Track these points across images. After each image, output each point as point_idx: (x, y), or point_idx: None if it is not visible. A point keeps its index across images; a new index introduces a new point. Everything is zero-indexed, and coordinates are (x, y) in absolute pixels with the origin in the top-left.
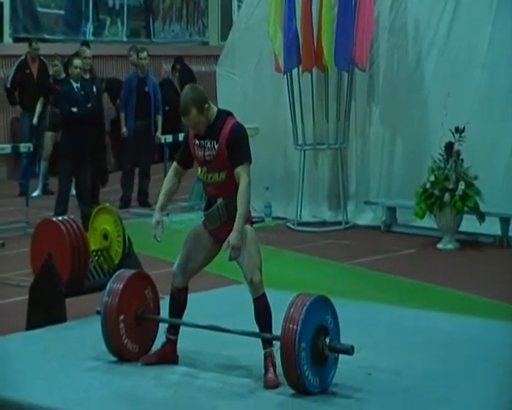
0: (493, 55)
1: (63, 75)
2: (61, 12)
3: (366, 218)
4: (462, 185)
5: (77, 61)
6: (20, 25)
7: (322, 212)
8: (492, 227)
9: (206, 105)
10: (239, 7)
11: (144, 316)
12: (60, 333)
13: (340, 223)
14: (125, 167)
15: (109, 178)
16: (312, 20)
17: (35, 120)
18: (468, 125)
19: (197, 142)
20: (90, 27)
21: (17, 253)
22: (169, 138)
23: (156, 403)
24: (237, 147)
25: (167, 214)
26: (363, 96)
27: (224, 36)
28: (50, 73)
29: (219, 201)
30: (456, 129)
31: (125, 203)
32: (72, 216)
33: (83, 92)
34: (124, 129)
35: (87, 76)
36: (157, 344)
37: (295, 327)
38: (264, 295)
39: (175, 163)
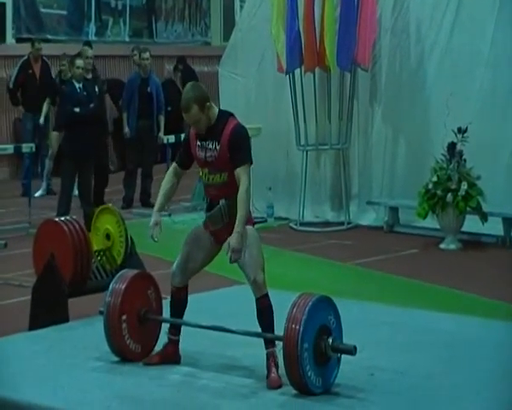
0: (496, 54)
1: (69, 75)
2: (64, 12)
3: (368, 218)
4: (464, 186)
5: (79, 62)
6: (22, 25)
7: (324, 212)
8: (495, 227)
9: (208, 104)
10: (241, 7)
11: (147, 316)
12: (62, 333)
13: (342, 223)
14: (127, 168)
15: (112, 179)
16: (315, 21)
17: (41, 120)
18: (470, 125)
19: (199, 143)
20: (92, 28)
21: (20, 253)
22: (171, 139)
23: (158, 403)
24: (238, 148)
25: (169, 215)
26: (365, 97)
27: (227, 36)
28: (54, 73)
29: (222, 202)
30: (459, 129)
31: (128, 204)
32: (74, 216)
33: (85, 92)
34: (126, 129)
35: (89, 76)
36: (159, 344)
37: (298, 327)
38: (266, 294)
39: (174, 164)
